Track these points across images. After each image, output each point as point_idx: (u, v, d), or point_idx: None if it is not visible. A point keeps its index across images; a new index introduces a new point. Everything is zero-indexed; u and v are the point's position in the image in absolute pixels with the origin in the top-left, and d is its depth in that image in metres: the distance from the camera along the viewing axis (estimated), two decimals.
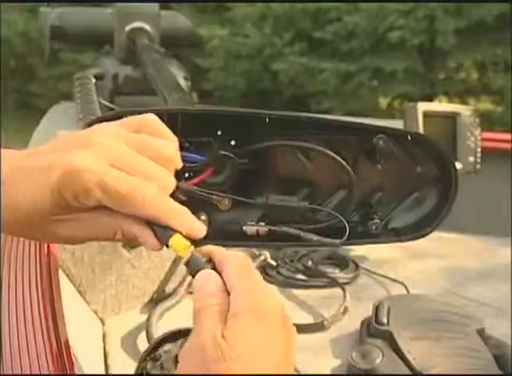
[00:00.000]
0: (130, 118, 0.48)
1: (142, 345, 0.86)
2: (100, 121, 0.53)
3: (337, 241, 0.55)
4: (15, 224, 0.45)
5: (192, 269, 0.44)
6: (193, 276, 0.45)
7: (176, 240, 0.44)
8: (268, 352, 0.39)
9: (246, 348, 0.38)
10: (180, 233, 0.45)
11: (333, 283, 1.07)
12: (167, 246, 0.45)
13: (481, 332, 0.86)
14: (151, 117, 0.48)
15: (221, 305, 0.41)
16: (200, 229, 0.46)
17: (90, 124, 0.52)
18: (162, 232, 0.45)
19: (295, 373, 0.81)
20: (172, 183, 0.46)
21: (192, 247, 0.45)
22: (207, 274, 0.44)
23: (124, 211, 0.44)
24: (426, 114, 1.08)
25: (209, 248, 0.45)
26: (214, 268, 0.44)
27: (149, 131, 0.47)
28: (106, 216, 0.45)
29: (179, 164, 0.48)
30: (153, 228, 0.45)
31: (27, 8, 6.11)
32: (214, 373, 0.38)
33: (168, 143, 0.47)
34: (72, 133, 0.46)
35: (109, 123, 0.48)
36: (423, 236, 0.60)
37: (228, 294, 0.42)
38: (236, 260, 0.44)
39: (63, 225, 0.45)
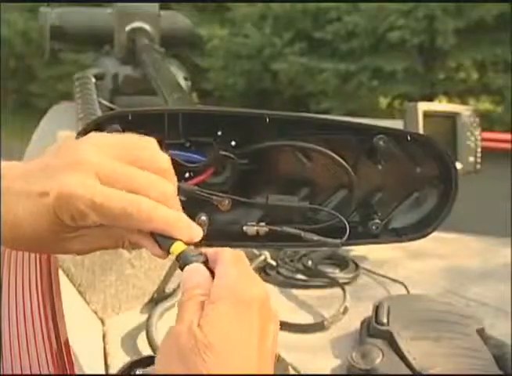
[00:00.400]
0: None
1: (142, 345, 0.86)
2: (100, 120, 0.53)
3: (338, 241, 0.55)
4: (16, 241, 0.45)
5: (182, 262, 0.44)
6: (182, 270, 0.45)
7: (177, 247, 0.45)
8: (241, 342, 0.39)
9: (220, 337, 0.38)
10: (180, 240, 0.45)
11: (333, 283, 1.07)
12: (169, 253, 0.45)
13: (481, 332, 0.86)
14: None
15: (206, 295, 0.41)
16: (197, 232, 0.46)
17: (89, 125, 0.52)
18: (163, 240, 0.45)
19: (295, 373, 0.81)
20: (171, 188, 0.46)
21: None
22: (194, 267, 0.44)
23: (122, 227, 0.44)
24: (426, 114, 1.08)
25: (204, 249, 0.45)
26: (206, 264, 0.44)
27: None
28: (109, 230, 0.45)
29: (172, 174, 0.47)
30: (155, 237, 0.45)
31: (27, 8, 6.10)
32: (189, 362, 0.37)
33: (162, 155, 0.46)
34: (61, 146, 0.45)
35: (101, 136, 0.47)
36: (423, 236, 0.60)
37: None
38: (230, 254, 0.44)
39: (68, 241, 0.45)
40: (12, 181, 0.44)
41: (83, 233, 0.45)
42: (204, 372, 0.37)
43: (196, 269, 0.43)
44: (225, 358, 0.38)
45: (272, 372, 0.41)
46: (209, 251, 0.45)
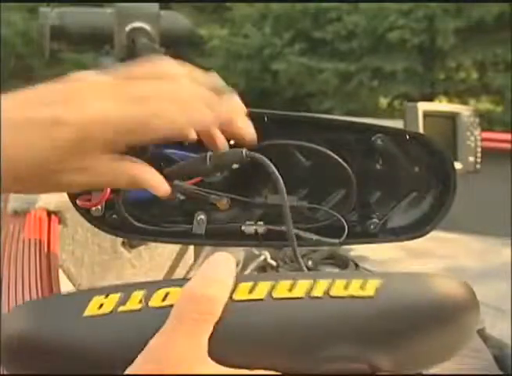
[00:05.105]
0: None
1: None
2: None
3: (336, 241, 0.55)
4: (14, 180, 0.41)
5: None
6: None
7: None
8: None
9: None
10: None
11: None
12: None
13: (481, 332, 0.86)
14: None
15: None
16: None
17: None
18: None
19: None
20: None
21: None
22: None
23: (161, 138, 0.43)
24: (426, 114, 1.08)
25: None
26: None
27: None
28: (116, 162, 0.43)
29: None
30: None
31: (27, 8, 6.11)
32: None
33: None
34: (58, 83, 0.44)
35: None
36: (421, 235, 0.60)
37: None
38: None
39: (67, 174, 0.42)
40: (11, 114, 0.40)
41: (86, 165, 0.42)
42: None
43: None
44: None
45: None
46: None
